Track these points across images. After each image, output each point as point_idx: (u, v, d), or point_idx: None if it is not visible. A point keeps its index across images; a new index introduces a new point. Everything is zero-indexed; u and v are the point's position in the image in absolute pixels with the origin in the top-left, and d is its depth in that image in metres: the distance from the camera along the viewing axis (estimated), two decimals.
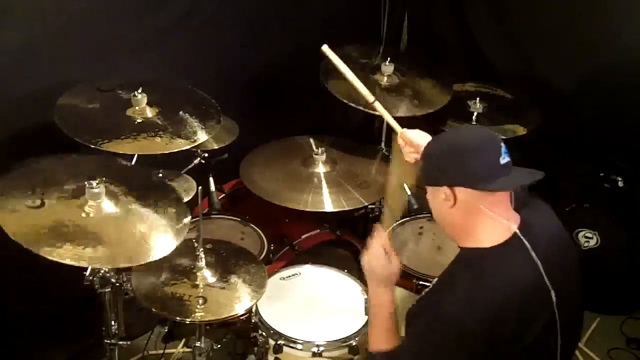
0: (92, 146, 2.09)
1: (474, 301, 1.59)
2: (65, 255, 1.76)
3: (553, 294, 1.68)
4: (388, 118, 2.14)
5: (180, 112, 2.30)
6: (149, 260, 1.87)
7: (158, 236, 1.93)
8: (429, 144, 1.80)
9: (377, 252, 1.88)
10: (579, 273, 1.81)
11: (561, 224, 1.82)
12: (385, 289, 1.86)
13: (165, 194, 2.11)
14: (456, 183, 1.65)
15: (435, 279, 1.76)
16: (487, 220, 1.67)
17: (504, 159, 1.65)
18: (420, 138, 2.01)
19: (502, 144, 1.67)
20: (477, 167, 1.64)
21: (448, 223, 1.73)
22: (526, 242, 1.67)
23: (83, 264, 1.81)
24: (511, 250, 1.67)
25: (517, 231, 1.67)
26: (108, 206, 1.94)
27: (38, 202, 1.89)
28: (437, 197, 1.69)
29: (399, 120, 2.20)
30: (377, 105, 2.17)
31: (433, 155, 1.73)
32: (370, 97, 2.16)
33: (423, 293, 1.79)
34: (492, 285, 1.62)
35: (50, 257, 1.75)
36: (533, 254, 1.67)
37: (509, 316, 1.60)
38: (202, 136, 2.24)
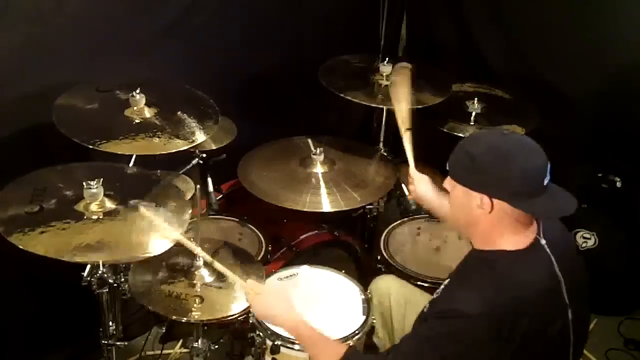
0: (90, 146, 2.09)
1: (492, 301, 1.56)
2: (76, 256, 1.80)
3: (570, 311, 1.67)
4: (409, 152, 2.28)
5: (179, 113, 2.30)
6: (154, 254, 1.88)
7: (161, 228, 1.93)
8: (470, 140, 1.69)
9: (268, 301, 1.87)
10: (588, 289, 1.81)
11: (571, 236, 1.82)
12: (297, 320, 1.85)
13: (165, 190, 2.13)
14: (499, 196, 1.60)
15: (447, 280, 1.74)
16: (514, 228, 1.64)
17: (547, 179, 1.61)
18: (427, 191, 2.20)
19: (548, 163, 1.61)
20: (523, 183, 1.58)
21: (471, 224, 1.69)
22: (549, 251, 1.65)
23: (93, 258, 1.85)
24: (534, 255, 1.64)
25: (540, 238, 1.65)
26: (108, 206, 1.96)
27: (36, 208, 1.91)
28: (470, 199, 1.64)
29: None
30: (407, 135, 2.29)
31: (478, 157, 1.61)
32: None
33: (435, 295, 1.74)
34: (511, 288, 1.58)
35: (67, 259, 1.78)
36: (555, 265, 1.65)
37: (522, 321, 1.57)
38: (200, 137, 2.24)
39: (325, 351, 1.82)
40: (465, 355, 1.58)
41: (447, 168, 1.70)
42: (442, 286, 1.74)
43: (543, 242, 1.66)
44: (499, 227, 1.64)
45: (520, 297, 1.58)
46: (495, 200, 1.61)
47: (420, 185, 2.25)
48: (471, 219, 1.67)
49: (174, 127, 2.24)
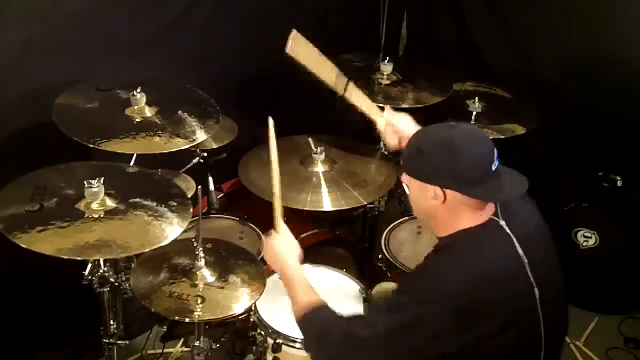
0: (91, 145, 2.09)
1: (451, 281, 1.62)
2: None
3: (537, 291, 1.69)
4: (365, 103, 2.09)
5: (179, 112, 2.30)
6: (159, 245, 1.89)
7: (164, 222, 1.95)
8: (419, 136, 1.79)
9: (280, 239, 1.98)
10: (560, 271, 1.83)
11: (542, 219, 1.84)
12: (296, 263, 1.96)
13: (165, 187, 2.13)
14: (449, 186, 1.67)
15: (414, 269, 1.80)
16: (471, 214, 1.70)
17: (495, 165, 1.66)
18: (406, 124, 2.07)
19: (495, 149, 1.67)
20: (470, 171, 1.65)
21: (430, 216, 1.76)
22: (508, 231, 1.69)
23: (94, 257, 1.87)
24: (492, 233, 1.69)
25: (499, 220, 1.70)
26: (109, 205, 1.97)
27: (37, 206, 1.91)
28: (425, 192, 1.71)
29: (403, 111, 2.28)
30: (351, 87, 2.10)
31: (426, 151, 1.70)
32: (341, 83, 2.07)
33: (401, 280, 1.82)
34: (472, 267, 1.64)
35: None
36: (517, 244, 1.68)
37: (485, 303, 1.61)
38: (201, 135, 2.24)
39: (304, 292, 1.90)
40: (433, 341, 1.62)
41: (401, 163, 1.79)
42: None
43: (502, 222, 1.70)
44: (455, 214, 1.71)
45: (481, 274, 1.63)
46: (446, 191, 1.68)
47: (399, 123, 2.16)
48: (429, 210, 1.74)
49: (174, 126, 2.24)
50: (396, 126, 2.15)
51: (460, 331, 1.61)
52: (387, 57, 2.88)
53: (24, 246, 1.79)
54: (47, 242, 1.81)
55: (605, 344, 2.99)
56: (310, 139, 2.82)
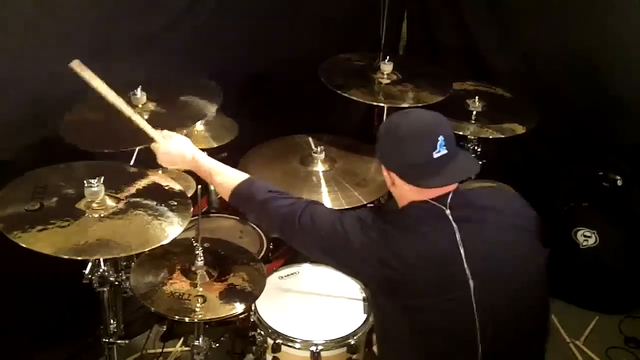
0: (105, 151, 2.10)
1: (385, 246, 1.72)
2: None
3: (472, 282, 1.70)
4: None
5: (181, 97, 2.32)
6: (159, 244, 1.89)
7: (164, 221, 1.95)
8: (384, 121, 1.89)
9: (166, 141, 2.02)
10: (532, 275, 1.81)
11: (528, 219, 1.85)
12: (199, 158, 2.01)
13: (164, 186, 2.13)
14: (393, 170, 1.77)
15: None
16: (419, 195, 1.76)
17: (439, 152, 1.71)
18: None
19: (440, 137, 1.71)
20: (411, 159, 1.73)
21: (391, 191, 1.86)
22: (451, 219, 1.74)
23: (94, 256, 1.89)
24: (435, 219, 1.74)
25: (445, 208, 1.74)
26: (109, 204, 1.97)
27: (37, 205, 1.91)
28: (384, 175, 1.83)
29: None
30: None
31: (380, 137, 1.81)
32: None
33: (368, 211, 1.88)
34: (404, 238, 1.72)
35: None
36: (457, 234, 1.72)
37: (414, 276, 1.70)
38: (210, 109, 2.29)
39: (225, 177, 1.98)
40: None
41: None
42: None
43: (447, 212, 1.75)
44: (406, 195, 1.79)
45: (416, 252, 1.71)
46: (392, 174, 1.79)
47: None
48: (389, 187, 1.84)
49: (180, 111, 2.26)
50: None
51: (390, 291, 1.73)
52: (387, 57, 2.88)
53: (24, 246, 1.79)
54: (47, 241, 1.81)
55: (606, 343, 2.99)
56: (310, 139, 2.83)
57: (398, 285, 1.72)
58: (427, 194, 1.75)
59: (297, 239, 1.87)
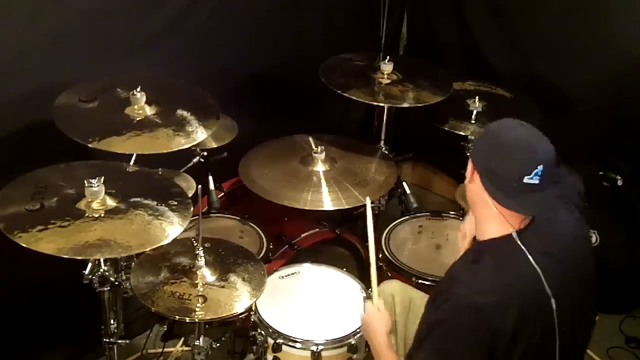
0: (90, 145, 2.09)
1: (476, 290, 1.61)
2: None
3: (553, 301, 1.67)
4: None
5: (178, 111, 2.30)
6: (160, 244, 1.90)
7: (164, 221, 1.95)
8: (491, 123, 1.77)
9: (376, 314, 2.01)
10: (591, 284, 1.83)
11: (583, 232, 1.88)
12: (385, 338, 1.96)
13: (165, 187, 2.14)
14: (479, 171, 1.70)
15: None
16: (493, 215, 1.69)
17: (532, 180, 1.64)
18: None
19: (541, 166, 1.64)
20: (500, 168, 1.66)
21: (471, 205, 1.78)
22: (522, 246, 1.68)
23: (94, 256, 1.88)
24: (505, 248, 1.68)
25: (514, 233, 1.69)
26: (109, 204, 1.97)
27: (37, 205, 1.91)
28: (467, 168, 1.75)
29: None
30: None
31: (484, 132, 1.78)
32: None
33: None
34: (486, 279, 1.64)
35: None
36: (530, 258, 1.67)
37: (504, 315, 1.61)
38: (201, 134, 2.24)
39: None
40: (455, 341, 1.63)
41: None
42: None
43: (516, 234, 1.70)
44: (480, 206, 1.72)
45: (503, 289, 1.63)
46: (476, 173, 1.71)
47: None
48: (469, 194, 1.77)
49: (174, 125, 2.24)
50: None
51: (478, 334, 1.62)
52: (388, 57, 2.88)
53: (24, 245, 1.79)
54: (47, 241, 1.81)
55: (606, 343, 2.99)
56: (310, 138, 2.82)
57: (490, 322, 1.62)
58: (510, 217, 1.69)
59: None
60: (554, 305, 1.68)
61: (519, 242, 1.69)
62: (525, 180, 1.63)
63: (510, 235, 1.69)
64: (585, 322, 1.89)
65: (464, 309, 1.62)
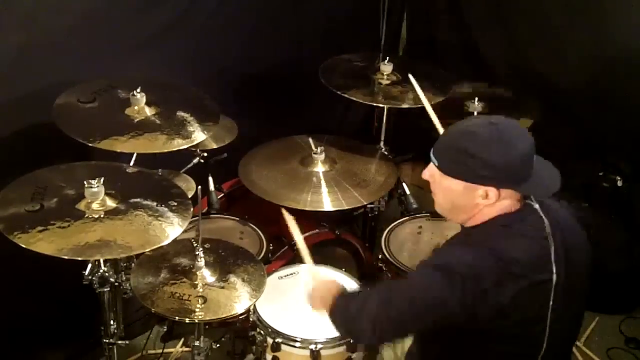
0: (90, 144, 2.09)
1: (477, 264, 1.61)
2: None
3: (554, 277, 1.68)
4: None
5: (178, 112, 2.30)
6: (159, 245, 1.90)
7: (164, 222, 1.95)
8: (456, 136, 1.69)
9: (321, 284, 1.94)
10: (587, 276, 1.85)
11: (576, 223, 1.84)
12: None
13: (165, 187, 2.14)
14: (506, 186, 1.65)
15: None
16: (510, 204, 1.69)
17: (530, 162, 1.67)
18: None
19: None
20: (522, 166, 1.64)
21: (467, 212, 1.72)
22: (540, 212, 1.69)
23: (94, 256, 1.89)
24: (526, 215, 1.69)
25: (533, 203, 1.70)
26: (109, 205, 1.97)
27: (37, 206, 1.91)
28: (471, 192, 1.66)
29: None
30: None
31: (477, 152, 1.62)
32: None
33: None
34: (495, 249, 1.63)
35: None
36: (547, 227, 1.68)
37: (508, 284, 1.61)
38: (200, 136, 2.24)
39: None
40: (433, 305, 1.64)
41: (439, 165, 1.71)
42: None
43: (536, 206, 1.71)
44: (496, 207, 1.68)
45: (509, 261, 1.62)
46: (502, 190, 1.65)
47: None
48: (469, 207, 1.70)
49: (174, 126, 2.24)
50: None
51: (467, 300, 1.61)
52: (387, 57, 2.88)
53: (24, 246, 1.79)
54: (47, 242, 1.82)
55: (606, 344, 2.99)
56: (310, 139, 2.82)
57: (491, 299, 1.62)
58: (519, 198, 1.69)
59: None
60: (553, 282, 1.68)
61: (540, 212, 1.70)
62: (534, 159, 1.66)
63: (528, 205, 1.70)
64: (574, 315, 1.86)
65: (487, 253, 1.62)
